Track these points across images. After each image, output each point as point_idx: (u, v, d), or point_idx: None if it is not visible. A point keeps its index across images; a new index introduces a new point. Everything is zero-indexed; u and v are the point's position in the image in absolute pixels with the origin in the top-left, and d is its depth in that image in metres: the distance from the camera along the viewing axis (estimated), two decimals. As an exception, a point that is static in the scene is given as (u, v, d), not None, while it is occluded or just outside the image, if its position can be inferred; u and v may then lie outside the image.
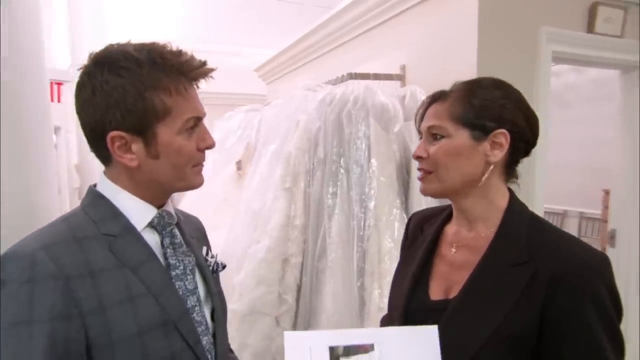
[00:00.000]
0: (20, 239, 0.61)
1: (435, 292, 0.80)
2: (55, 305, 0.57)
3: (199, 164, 0.73)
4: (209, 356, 0.73)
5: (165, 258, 0.71)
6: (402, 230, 1.71)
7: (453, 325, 0.73)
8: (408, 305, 0.81)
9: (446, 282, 0.80)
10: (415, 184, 1.82)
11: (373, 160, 1.82)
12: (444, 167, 0.77)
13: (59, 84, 2.69)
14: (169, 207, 0.76)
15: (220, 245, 2.12)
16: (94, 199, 0.69)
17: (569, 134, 4.27)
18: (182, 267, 0.72)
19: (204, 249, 0.84)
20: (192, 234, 0.83)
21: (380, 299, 1.68)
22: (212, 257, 0.84)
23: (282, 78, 3.59)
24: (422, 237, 0.89)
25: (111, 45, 0.66)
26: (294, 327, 1.84)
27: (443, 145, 0.77)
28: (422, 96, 1.88)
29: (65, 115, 2.74)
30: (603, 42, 1.95)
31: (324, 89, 2.06)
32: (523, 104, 0.78)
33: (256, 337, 1.76)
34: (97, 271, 0.61)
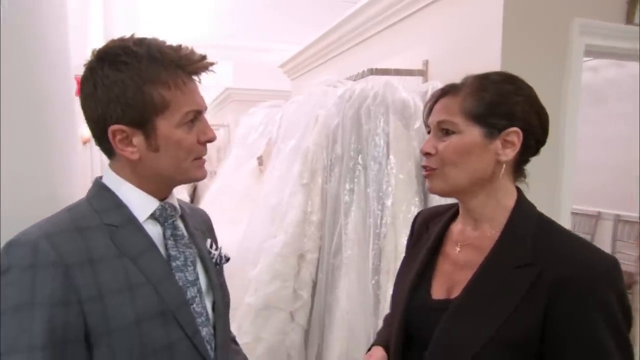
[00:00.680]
0: (27, 227, 0.64)
1: (438, 291, 0.78)
2: (55, 291, 0.59)
3: (199, 157, 0.74)
4: (209, 347, 0.74)
5: (167, 249, 0.72)
6: (420, 229, 1.71)
7: (453, 325, 0.71)
8: (409, 304, 0.80)
9: (449, 281, 0.78)
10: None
11: (392, 157, 1.79)
12: (452, 165, 0.74)
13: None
14: (172, 200, 0.77)
15: (238, 239, 2.15)
16: (99, 190, 0.71)
17: (607, 131, 4.06)
18: (182, 259, 0.73)
19: (208, 241, 0.85)
20: (197, 227, 0.84)
21: (395, 298, 1.66)
22: (215, 249, 0.85)
23: (306, 74, 3.59)
24: (427, 235, 0.87)
25: (112, 41, 0.67)
26: (309, 322, 1.85)
27: (453, 142, 0.74)
28: (444, 92, 1.83)
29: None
30: (644, 33, 1.84)
31: (344, 85, 2.05)
32: (535, 101, 0.75)
33: (270, 331, 1.78)
34: (97, 260, 0.63)
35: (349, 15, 2.63)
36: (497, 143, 0.73)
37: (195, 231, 0.82)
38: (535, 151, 0.77)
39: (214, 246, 0.85)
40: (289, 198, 1.93)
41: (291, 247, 1.84)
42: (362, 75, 2.01)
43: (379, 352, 0.87)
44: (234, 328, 1.74)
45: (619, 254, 3.89)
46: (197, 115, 0.71)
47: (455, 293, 0.75)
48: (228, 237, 1.97)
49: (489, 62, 1.70)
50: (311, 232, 1.86)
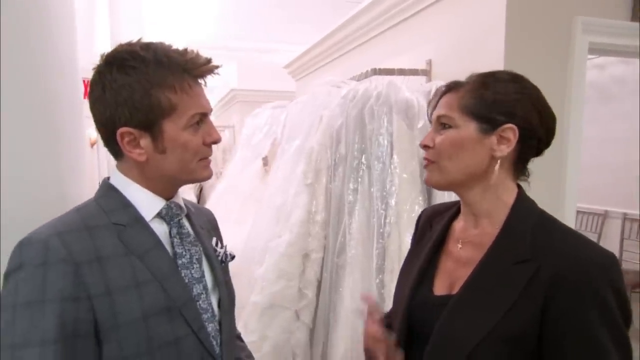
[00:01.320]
0: (39, 226, 0.66)
1: (439, 288, 0.80)
2: (66, 288, 0.61)
3: (205, 158, 0.75)
4: (214, 342, 0.76)
5: (173, 247, 0.74)
6: (423, 228, 1.72)
7: (452, 320, 0.72)
8: (411, 300, 0.81)
9: (451, 278, 0.79)
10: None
11: (395, 157, 1.80)
12: (447, 157, 0.76)
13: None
14: (178, 199, 0.79)
15: (243, 239, 2.17)
16: (107, 190, 0.74)
17: (614, 130, 4.03)
18: (188, 256, 0.75)
19: (214, 239, 0.87)
20: (203, 225, 0.86)
21: (399, 297, 1.67)
22: (221, 247, 0.86)
23: (311, 75, 3.61)
24: (431, 232, 0.88)
25: (120, 45, 0.69)
26: (314, 321, 1.86)
27: (449, 136, 0.76)
28: (448, 92, 1.84)
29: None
30: (648, 31, 1.83)
31: (347, 85, 2.06)
32: (538, 101, 0.76)
33: (276, 329, 1.80)
34: (105, 258, 0.65)
35: (352, 16, 2.64)
36: (493, 139, 0.74)
37: (201, 230, 0.83)
38: (537, 151, 0.77)
39: (219, 244, 0.87)
40: (294, 198, 1.94)
41: (296, 246, 1.85)
42: (366, 75, 2.02)
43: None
44: (240, 326, 1.77)
45: (627, 252, 3.87)
46: (202, 117, 0.73)
47: (456, 289, 0.76)
48: (233, 237, 1.99)
49: (492, 61, 1.71)
50: (316, 232, 1.88)
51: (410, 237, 1.73)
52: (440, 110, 0.79)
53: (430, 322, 0.76)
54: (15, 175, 1.03)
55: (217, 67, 0.73)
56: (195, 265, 0.76)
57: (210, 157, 0.77)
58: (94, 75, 0.69)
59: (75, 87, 1.39)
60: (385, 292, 1.71)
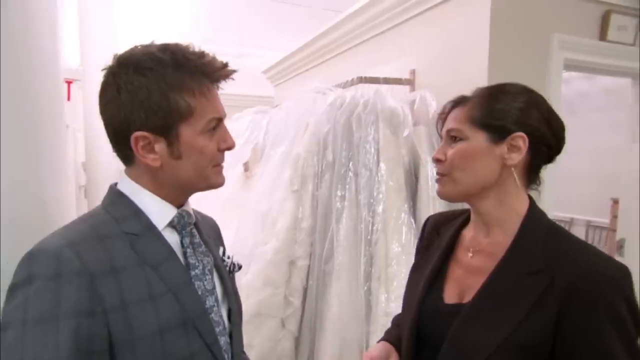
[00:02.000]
0: (46, 236, 0.62)
1: (450, 296, 0.80)
2: (80, 302, 0.57)
3: (218, 164, 0.73)
4: (226, 356, 0.74)
5: (185, 257, 0.71)
6: (410, 235, 1.74)
7: (465, 329, 0.73)
8: (421, 307, 0.81)
9: (461, 286, 0.80)
10: (424, 189, 1.82)
11: (382, 165, 1.82)
12: (459, 169, 0.77)
13: (69, 82, 2.71)
14: (188, 207, 0.76)
15: (227, 244, 2.12)
16: (115, 197, 0.70)
17: (578, 142, 4.25)
18: (201, 267, 0.73)
19: (221, 249, 0.84)
20: (209, 234, 0.84)
21: (386, 304, 1.67)
22: (228, 257, 0.84)
23: (290, 80, 3.60)
24: (439, 240, 0.89)
25: (135, 47, 0.66)
26: (300, 329, 1.84)
27: (460, 148, 0.78)
28: (432, 101, 1.88)
29: (74, 113, 2.75)
30: (615, 50, 1.95)
31: (333, 92, 2.07)
32: (546, 109, 0.79)
33: (262, 338, 1.76)
34: (119, 269, 0.62)
35: (336, 23, 2.66)
36: (503, 147, 0.76)
37: (209, 239, 0.81)
38: (547, 158, 0.80)
39: (226, 254, 0.84)
40: (280, 204, 1.92)
41: (282, 253, 1.83)
42: (352, 83, 2.04)
43: (379, 345, 0.88)
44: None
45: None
46: (218, 122, 0.71)
47: (467, 298, 0.76)
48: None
49: (476, 73, 1.76)
50: (302, 239, 1.86)
51: (397, 244, 1.76)
52: (449, 124, 0.80)
53: (441, 330, 0.76)
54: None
55: (234, 71, 0.72)
56: (207, 277, 0.73)
57: (223, 164, 0.75)
58: (107, 77, 0.66)
59: (57, 88, 1.33)
60: (373, 299, 1.72)
